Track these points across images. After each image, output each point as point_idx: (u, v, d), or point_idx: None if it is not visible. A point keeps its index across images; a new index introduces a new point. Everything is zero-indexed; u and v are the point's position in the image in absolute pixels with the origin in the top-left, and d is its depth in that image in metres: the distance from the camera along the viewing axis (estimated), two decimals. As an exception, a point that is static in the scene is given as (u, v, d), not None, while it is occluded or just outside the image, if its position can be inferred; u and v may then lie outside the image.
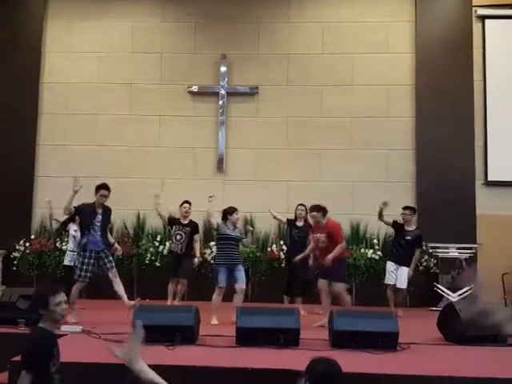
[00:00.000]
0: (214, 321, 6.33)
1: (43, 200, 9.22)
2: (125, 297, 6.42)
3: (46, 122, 9.58)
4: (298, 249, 7.43)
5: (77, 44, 9.71)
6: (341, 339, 4.85)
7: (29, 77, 9.52)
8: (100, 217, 6.49)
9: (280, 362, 4.29)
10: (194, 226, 7.75)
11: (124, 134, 9.45)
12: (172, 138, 9.42)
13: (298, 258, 7.12)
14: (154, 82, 9.57)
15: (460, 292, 7.92)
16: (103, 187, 6.54)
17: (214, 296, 6.52)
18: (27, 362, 2.86)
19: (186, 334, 4.92)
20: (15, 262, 8.90)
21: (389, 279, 7.45)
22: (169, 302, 7.47)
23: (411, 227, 7.56)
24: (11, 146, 9.26)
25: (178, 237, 7.62)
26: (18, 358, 4.24)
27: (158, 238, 8.88)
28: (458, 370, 4.16)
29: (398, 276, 7.40)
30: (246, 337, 4.92)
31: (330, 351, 4.78)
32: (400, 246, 7.49)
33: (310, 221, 6.99)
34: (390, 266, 7.48)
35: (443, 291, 8.03)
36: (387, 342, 4.84)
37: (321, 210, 6.48)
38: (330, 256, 6.27)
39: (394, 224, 7.66)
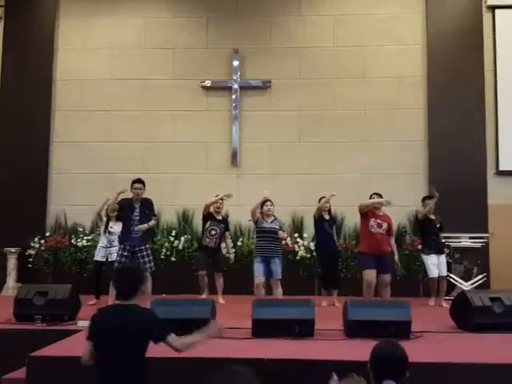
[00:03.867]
0: None
1: (58, 197, 9.40)
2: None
3: (59, 119, 9.64)
4: (330, 241, 7.48)
5: (89, 41, 9.78)
6: (355, 329, 4.93)
7: (42, 74, 9.57)
8: (138, 211, 6.61)
9: (295, 352, 4.39)
10: (226, 223, 7.93)
11: (137, 129, 9.51)
12: (185, 132, 9.48)
13: None
14: (167, 78, 9.63)
15: (472, 281, 7.99)
16: (136, 181, 6.74)
17: (255, 291, 6.60)
18: (165, 326, 3.13)
19: (203, 327, 5.01)
20: (30, 260, 8.90)
21: (434, 272, 7.41)
22: (204, 296, 7.35)
23: (432, 215, 7.64)
24: (25, 144, 9.28)
25: (213, 232, 7.69)
26: (35, 353, 4.28)
27: (173, 233, 8.95)
28: (470, 357, 4.25)
29: (441, 265, 7.45)
30: (262, 328, 4.99)
31: (344, 341, 4.90)
32: (436, 236, 7.57)
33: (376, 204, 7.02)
34: (434, 258, 7.44)
35: (456, 280, 8.07)
36: (400, 330, 4.91)
37: None
38: (396, 257, 7.09)
39: (426, 218, 7.59)
